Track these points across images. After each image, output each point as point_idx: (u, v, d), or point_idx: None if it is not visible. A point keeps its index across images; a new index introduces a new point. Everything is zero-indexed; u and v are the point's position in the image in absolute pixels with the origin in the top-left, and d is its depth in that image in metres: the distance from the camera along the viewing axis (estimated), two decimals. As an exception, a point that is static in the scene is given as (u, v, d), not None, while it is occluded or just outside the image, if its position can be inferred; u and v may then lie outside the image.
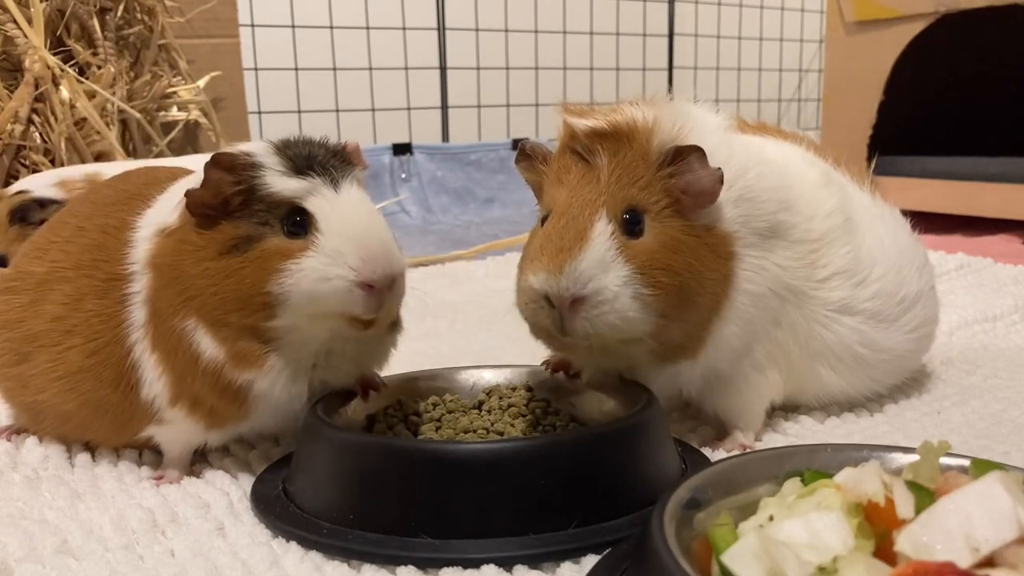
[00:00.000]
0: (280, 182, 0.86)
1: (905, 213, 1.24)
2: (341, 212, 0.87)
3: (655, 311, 0.87)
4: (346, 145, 0.93)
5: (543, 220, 0.91)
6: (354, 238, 0.86)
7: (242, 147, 0.90)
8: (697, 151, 0.87)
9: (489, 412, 0.98)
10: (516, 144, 3.39)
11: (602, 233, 0.85)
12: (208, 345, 0.87)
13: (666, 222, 0.88)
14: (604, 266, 0.85)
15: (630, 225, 0.87)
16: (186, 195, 0.87)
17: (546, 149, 0.96)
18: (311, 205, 0.86)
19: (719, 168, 0.88)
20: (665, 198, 0.88)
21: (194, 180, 0.88)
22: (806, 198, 1.04)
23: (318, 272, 0.84)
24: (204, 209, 0.87)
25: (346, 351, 0.93)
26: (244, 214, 0.86)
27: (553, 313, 0.86)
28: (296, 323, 0.87)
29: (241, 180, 0.86)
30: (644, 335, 0.89)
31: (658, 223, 0.88)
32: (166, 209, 0.92)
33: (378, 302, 0.86)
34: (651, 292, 0.86)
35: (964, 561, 0.53)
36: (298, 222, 0.86)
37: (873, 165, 1.30)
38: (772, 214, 0.97)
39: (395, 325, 0.98)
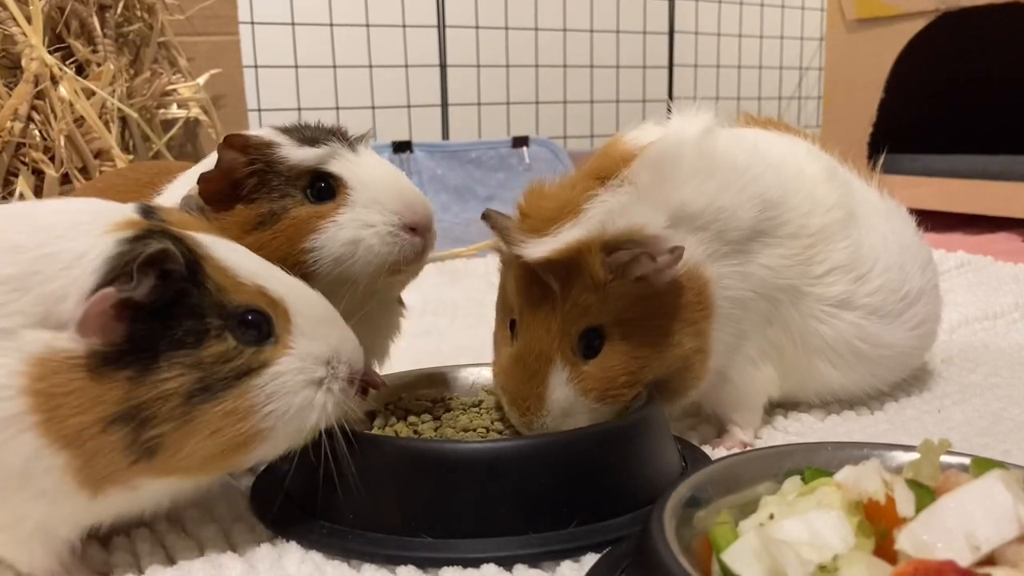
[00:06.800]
0: (298, 152, 0.88)
1: (905, 211, 1.24)
2: (367, 167, 0.90)
3: (632, 395, 0.89)
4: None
5: (511, 323, 0.93)
6: (389, 187, 0.89)
7: (248, 133, 0.91)
8: (643, 258, 0.85)
9: (489, 411, 0.98)
10: (516, 142, 3.40)
11: (558, 384, 0.87)
12: None
13: (624, 319, 0.88)
14: (566, 414, 0.88)
15: (588, 343, 0.88)
16: (199, 180, 0.88)
17: (506, 223, 0.92)
18: (335, 168, 0.88)
19: (671, 251, 0.86)
20: (622, 298, 0.87)
21: (204, 166, 0.89)
22: (804, 193, 1.03)
23: (360, 221, 0.87)
24: (218, 194, 0.87)
25: (362, 318, 0.94)
26: (261, 193, 0.88)
27: None
28: (325, 288, 0.86)
29: (255, 160, 0.87)
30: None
31: (618, 325, 0.88)
32: (175, 198, 0.92)
33: (422, 243, 0.90)
34: (615, 401, 0.89)
35: (965, 559, 0.53)
36: (324, 188, 0.88)
37: (880, 163, 1.29)
38: (754, 218, 0.96)
39: (399, 299, 1.01)
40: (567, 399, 0.87)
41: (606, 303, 0.87)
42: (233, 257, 0.73)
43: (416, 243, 0.89)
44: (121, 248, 0.66)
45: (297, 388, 0.72)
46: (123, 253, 0.66)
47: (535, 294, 0.89)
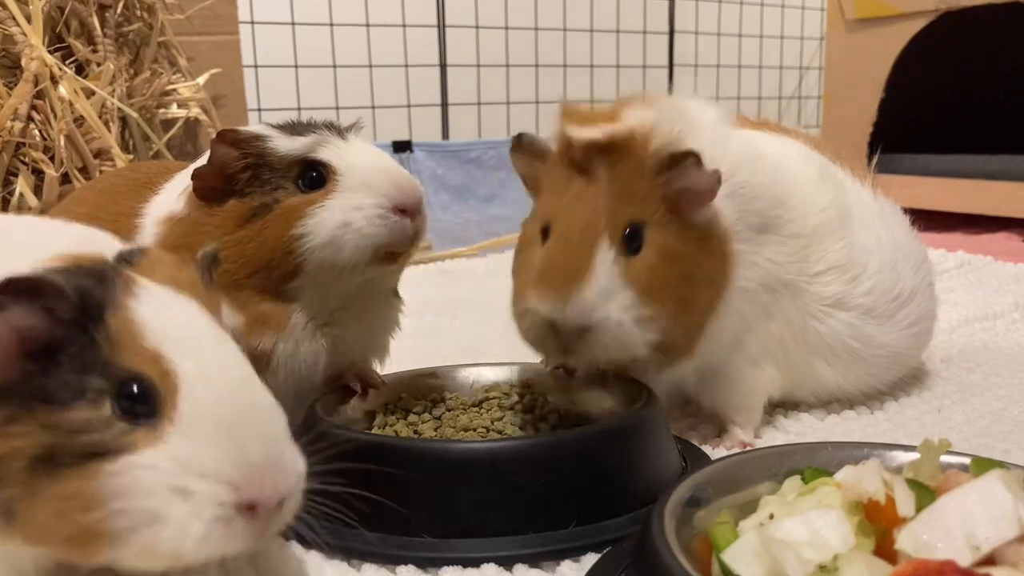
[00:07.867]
0: (288, 143, 0.88)
1: (905, 211, 1.24)
2: (356, 153, 0.89)
3: (656, 330, 0.88)
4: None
5: (543, 231, 0.91)
6: (377, 170, 0.88)
7: (239, 128, 0.92)
8: (693, 156, 0.87)
9: (489, 410, 0.98)
10: (516, 142, 3.40)
11: (605, 260, 0.85)
12: (225, 315, 0.86)
13: (665, 229, 0.88)
14: (608, 295, 0.85)
15: (631, 241, 0.87)
16: (193, 175, 0.88)
17: (543, 145, 0.96)
18: (324, 155, 0.88)
19: (716, 169, 0.88)
20: (664, 205, 0.88)
21: (198, 164, 0.89)
22: (800, 193, 1.04)
23: (348, 204, 0.86)
24: (211, 189, 0.88)
25: (358, 314, 0.94)
26: (254, 187, 0.88)
27: (558, 340, 0.87)
28: (319, 276, 0.87)
29: (247, 154, 0.88)
30: (646, 349, 0.90)
31: (658, 232, 0.88)
32: (172, 196, 0.93)
33: (413, 226, 0.89)
34: (652, 312, 0.87)
35: (965, 559, 0.53)
36: (315, 177, 0.88)
37: (875, 162, 1.30)
38: (765, 210, 0.98)
39: (396, 293, 1.01)
40: (611, 279, 0.85)
41: (651, 199, 0.87)
42: (155, 313, 0.58)
43: (406, 225, 0.89)
44: (17, 277, 0.56)
45: (151, 491, 0.54)
46: (15, 281, 0.55)
47: (575, 188, 0.89)
